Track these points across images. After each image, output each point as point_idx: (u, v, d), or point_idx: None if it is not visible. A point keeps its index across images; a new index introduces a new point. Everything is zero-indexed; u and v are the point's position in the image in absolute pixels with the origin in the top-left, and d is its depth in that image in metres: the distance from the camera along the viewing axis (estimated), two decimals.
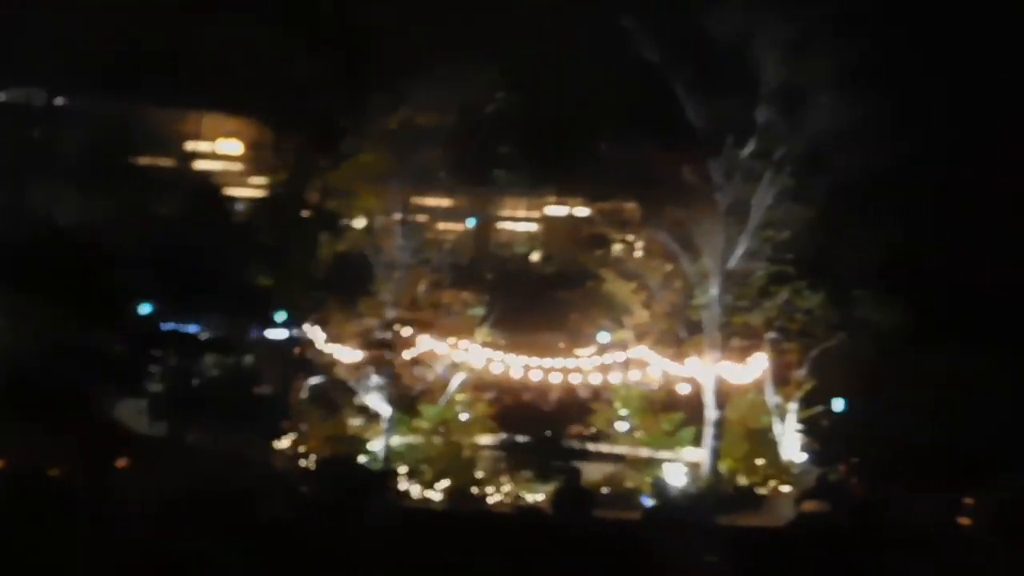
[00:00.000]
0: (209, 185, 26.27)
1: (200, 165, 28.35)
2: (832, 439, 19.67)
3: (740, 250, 14.62)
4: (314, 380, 17.95)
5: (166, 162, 27.70)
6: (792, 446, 17.75)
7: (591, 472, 15.31)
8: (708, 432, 14.72)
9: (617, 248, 18.53)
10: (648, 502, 12.00)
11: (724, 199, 14.21)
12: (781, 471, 16.36)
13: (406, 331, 14.97)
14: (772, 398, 17.71)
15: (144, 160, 28.17)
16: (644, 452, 15.27)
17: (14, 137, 25.27)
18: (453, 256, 21.39)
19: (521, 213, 25.15)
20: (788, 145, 14.12)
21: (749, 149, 14.17)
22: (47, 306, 23.91)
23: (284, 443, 16.54)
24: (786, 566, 11.67)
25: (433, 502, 13.17)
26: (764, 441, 17.49)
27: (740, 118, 13.87)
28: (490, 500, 13.23)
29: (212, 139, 26.90)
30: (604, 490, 13.57)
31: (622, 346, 18.71)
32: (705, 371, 14.98)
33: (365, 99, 16.48)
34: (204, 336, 26.06)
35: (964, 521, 15.05)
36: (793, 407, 17.97)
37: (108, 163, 27.09)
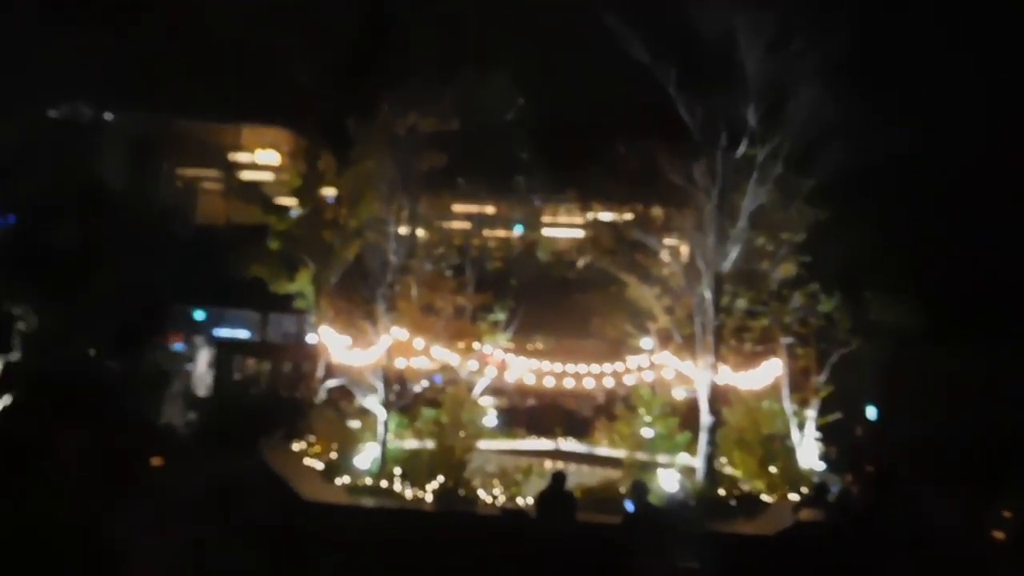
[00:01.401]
0: (251, 194, 27.03)
1: (244, 175, 29.33)
2: (856, 446, 19.22)
3: (734, 252, 14.35)
4: (330, 383, 18.33)
5: (209, 172, 28.75)
6: (810, 453, 17.34)
7: (588, 476, 15.29)
8: (702, 438, 14.49)
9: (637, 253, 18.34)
10: (630, 507, 11.87)
11: (711, 199, 13.99)
12: (796, 479, 15.96)
13: (407, 335, 15.06)
14: (788, 404, 17.33)
15: (189, 171, 29.34)
16: (641, 456, 15.10)
17: (63, 150, 26.57)
18: (473, 261, 21.73)
19: (545, 219, 25.17)
20: (774, 143, 13.80)
21: (742, 148, 13.93)
22: (96, 313, 25.01)
23: (300, 445, 16.90)
24: (768, 573, 11.51)
25: (424, 503, 13.27)
26: (781, 448, 17.11)
27: (732, 117, 13.65)
28: (479, 502, 13.25)
29: (251, 150, 27.70)
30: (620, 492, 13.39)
31: (637, 352, 18.60)
32: (699, 375, 14.75)
33: (375, 105, 16.74)
34: (246, 340, 26.96)
35: (998, 535, 14.53)
36: (811, 414, 17.54)
37: (152, 174, 28.31)
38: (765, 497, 14.83)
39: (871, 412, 21.32)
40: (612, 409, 19.50)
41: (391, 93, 16.87)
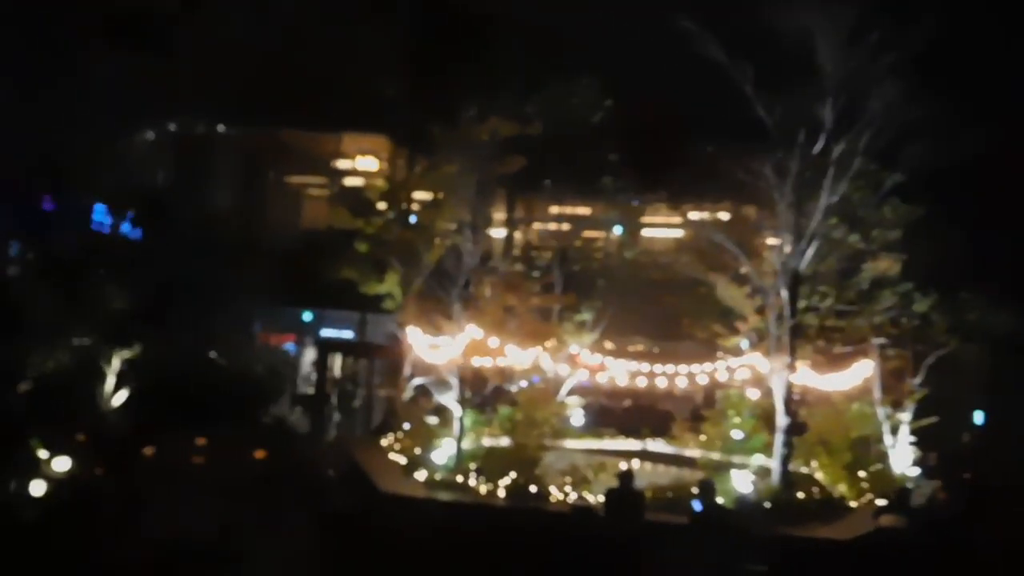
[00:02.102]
0: (351, 200, 28.09)
1: (347, 181, 30.53)
2: (959, 454, 18.38)
3: (810, 250, 14.01)
4: (417, 381, 18.89)
5: (314, 179, 30.05)
6: (903, 459, 16.70)
7: (666, 477, 15.24)
8: (778, 439, 14.20)
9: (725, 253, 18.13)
10: (698, 506, 11.81)
11: (784, 198, 13.71)
12: (886, 485, 15.42)
13: (483, 334, 15.41)
14: (881, 408, 16.76)
15: (295, 179, 30.76)
16: (717, 456, 14.94)
17: (182, 162, 28.39)
18: (561, 262, 21.94)
19: (636, 220, 25.09)
20: (850, 139, 13.41)
21: (819, 145, 13.60)
22: (210, 317, 26.58)
23: (387, 440, 17.52)
24: None
25: (497, 498, 13.57)
26: (871, 452, 16.59)
27: (809, 114, 13.35)
28: (550, 499, 13.44)
29: (352, 157, 28.79)
30: (670, 494, 13.37)
31: (736, 353, 18.35)
32: (775, 376, 14.46)
33: (457, 110, 17.20)
34: (344, 340, 28.02)
35: None
36: (905, 417, 16.90)
37: (261, 183, 29.82)
38: (849, 502, 14.41)
39: (978, 418, 20.32)
40: (707, 411, 19.38)
41: (473, 98, 17.31)
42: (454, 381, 15.14)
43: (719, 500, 12.17)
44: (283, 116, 27.12)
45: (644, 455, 18.70)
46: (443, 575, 11.79)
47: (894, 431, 16.84)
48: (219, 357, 26.06)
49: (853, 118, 13.33)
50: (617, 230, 27.26)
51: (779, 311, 16.26)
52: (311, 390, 27.74)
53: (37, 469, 15.45)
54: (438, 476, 14.34)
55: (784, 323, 14.32)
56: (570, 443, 18.35)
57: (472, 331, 15.18)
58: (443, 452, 14.88)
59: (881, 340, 16.77)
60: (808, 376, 16.27)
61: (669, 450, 17.97)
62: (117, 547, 11.05)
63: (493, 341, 15.55)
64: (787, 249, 13.95)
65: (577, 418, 21.09)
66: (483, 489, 13.79)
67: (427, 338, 16.78)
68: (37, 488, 14.03)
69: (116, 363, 21.83)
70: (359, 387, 26.46)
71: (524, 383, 19.98)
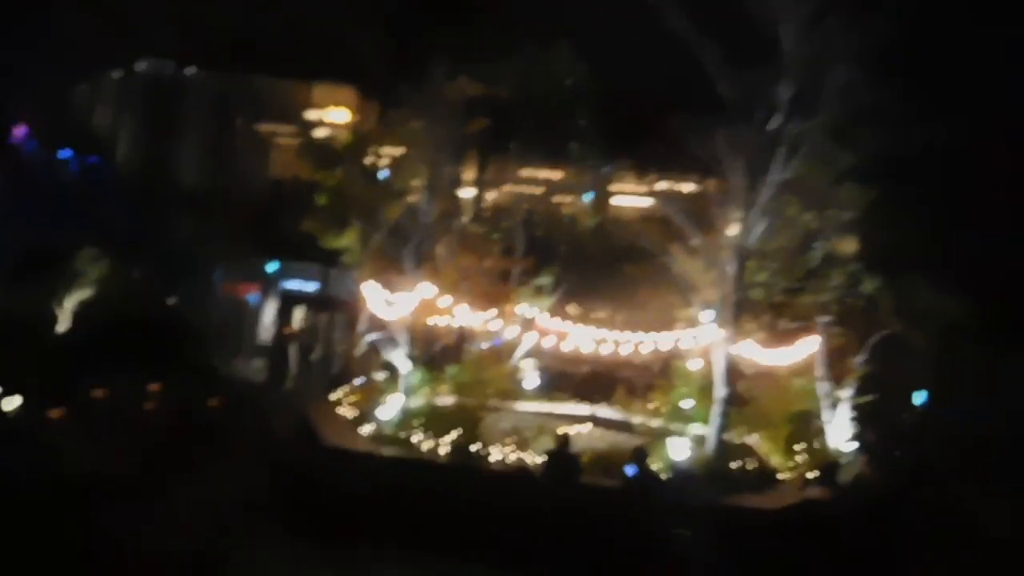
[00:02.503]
0: (321, 151, 27.88)
1: (318, 133, 30.24)
2: (897, 432, 18.84)
3: (760, 227, 14.22)
4: (370, 337, 19.00)
5: (283, 128, 29.74)
6: (841, 435, 17.10)
7: (602, 441, 15.55)
8: (715, 409, 14.52)
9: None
10: (630, 471, 12.11)
11: (734, 175, 13.88)
12: (822, 459, 15.84)
13: (436, 293, 15.54)
14: (823, 384, 17.12)
15: (264, 127, 30.44)
16: (656, 424, 15.26)
17: (147, 104, 28.02)
18: (524, 226, 22.02)
19: (605, 188, 25.16)
20: (805, 120, 13.56)
21: (775, 124, 13.73)
22: (168, 262, 26.46)
23: (338, 395, 17.67)
24: (759, 546, 11.58)
25: (438, 456, 13.80)
26: (812, 427, 16.99)
27: (767, 92, 13.46)
28: (490, 459, 13.69)
29: (323, 107, 28.52)
30: (606, 459, 13.67)
31: (691, 324, 18.60)
32: (715, 348, 14.74)
33: (427, 66, 17.10)
34: (306, 293, 28.01)
35: None
36: (846, 395, 17.27)
37: (229, 128, 29.49)
38: (782, 474, 14.79)
39: (919, 398, 20.81)
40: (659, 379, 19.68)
41: (444, 56, 17.22)
42: (402, 338, 15.27)
43: (653, 467, 12.47)
44: (255, 62, 26.83)
45: (593, 420, 19.02)
46: (380, 529, 12.03)
47: (834, 407, 17.21)
48: (177, 304, 26.04)
49: (810, 99, 13.44)
50: (587, 197, 27.35)
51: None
52: (272, 342, 27.82)
53: None
54: (383, 432, 14.54)
55: (727, 297, 14.54)
56: (522, 405, 18.58)
57: (424, 289, 15.28)
58: (389, 408, 15.05)
59: (827, 318, 17.05)
60: (754, 350, 16.57)
61: (616, 416, 18.25)
62: (34, 479, 11.16)
63: (444, 300, 15.69)
64: (737, 224, 14.13)
65: (532, 380, 21.35)
66: (425, 446, 14.01)
67: (382, 294, 16.88)
68: None
69: (68, 305, 21.79)
70: (318, 341, 26.53)
71: (485, 344, 20.23)
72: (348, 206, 18.46)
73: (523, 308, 19.97)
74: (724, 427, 14.40)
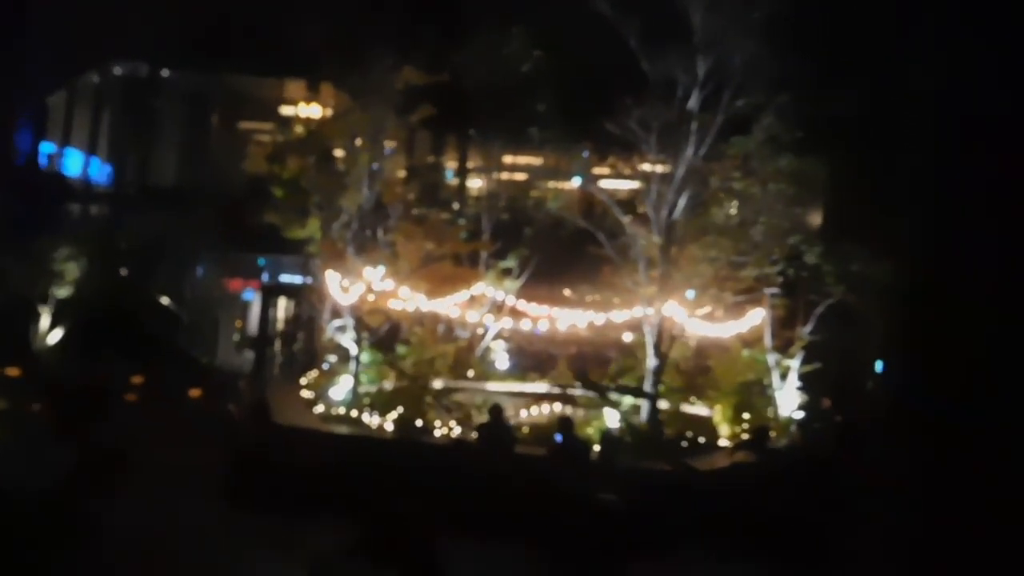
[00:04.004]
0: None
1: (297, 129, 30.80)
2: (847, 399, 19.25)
3: (682, 201, 14.68)
4: (336, 323, 19.60)
5: (261, 126, 30.33)
6: (790, 402, 17.55)
7: (538, 412, 16.09)
8: (647, 380, 15.02)
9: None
10: (558, 439, 12.64)
11: (648, 151, 14.32)
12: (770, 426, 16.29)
13: (382, 276, 16.10)
14: (771, 355, 17.57)
15: (242, 124, 31.04)
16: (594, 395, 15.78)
17: (124, 106, 28.68)
18: (488, 211, 22.53)
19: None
20: (718, 95, 13.99)
21: (694, 101, 14.16)
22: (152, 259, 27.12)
23: (305, 379, 18.29)
24: (684, 508, 12.04)
25: (384, 432, 14.37)
26: (761, 397, 17.45)
27: (684, 69, 13.88)
28: (434, 433, 14.25)
29: (295, 103, 29.02)
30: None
31: (649, 302, 19.05)
32: (646, 319, 15.23)
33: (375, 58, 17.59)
34: (284, 284, 28.67)
35: None
36: (794, 364, 17.70)
37: (205, 128, 30.12)
38: (720, 442, 15.26)
39: (879, 366, 21.22)
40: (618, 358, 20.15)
41: (386, 46, 17.72)
42: (349, 321, 15.86)
43: (579, 435, 12.99)
44: (228, 59, 27.35)
45: (565, 398, 19.51)
46: (322, 502, 12.59)
47: (783, 376, 17.66)
48: (168, 300, 26.77)
49: (722, 74, 13.86)
50: (576, 181, 27.76)
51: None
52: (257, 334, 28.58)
53: None
54: (334, 411, 15.14)
55: (656, 270, 15.02)
56: (492, 385, 19.16)
57: (370, 274, 15.84)
58: (340, 389, 15.65)
59: (773, 289, 17.47)
60: (696, 322, 17.02)
61: (558, 390, 18.72)
62: None
63: (395, 284, 16.26)
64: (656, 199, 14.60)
65: (502, 361, 21.94)
66: (373, 423, 14.59)
67: (336, 281, 17.47)
68: None
69: (51, 301, 22.50)
70: (300, 330, 27.20)
71: (464, 331, 20.83)
72: (306, 197, 19.00)
73: (489, 290, 20.53)
74: (656, 396, 14.86)
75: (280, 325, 28.58)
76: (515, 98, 22.15)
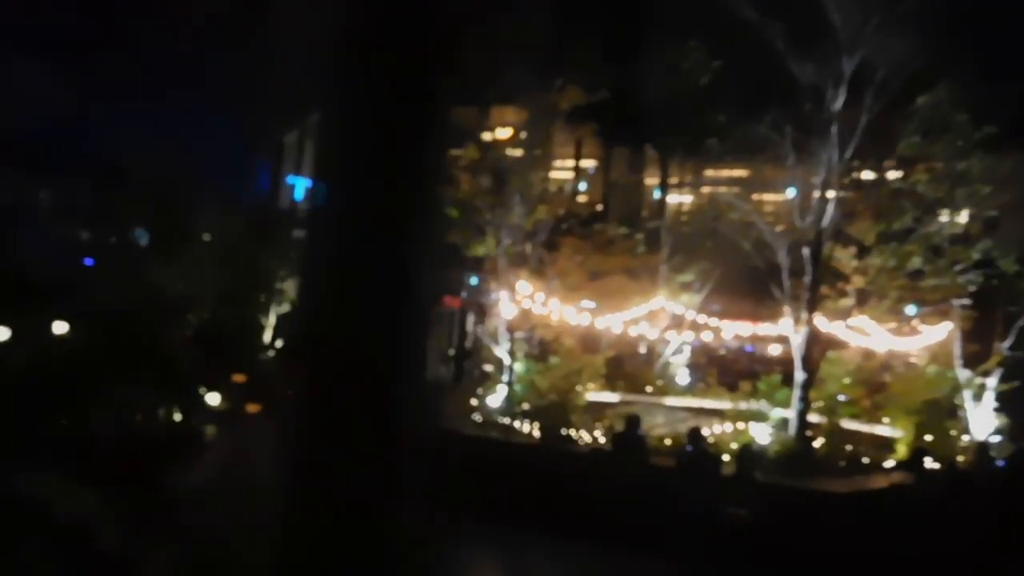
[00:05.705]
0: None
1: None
2: None
3: (831, 208, 13.85)
4: (501, 335, 20.41)
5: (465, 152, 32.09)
6: (984, 425, 15.92)
7: (681, 425, 15.78)
8: (795, 394, 14.26)
9: None
10: (689, 450, 12.49)
11: (792, 155, 13.66)
12: (956, 449, 14.99)
13: (532, 291, 16.69)
14: (963, 371, 16.06)
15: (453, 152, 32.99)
16: (745, 407, 15.21)
17: None
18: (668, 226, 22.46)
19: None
20: (852, 96, 13.10)
21: (839, 102, 13.40)
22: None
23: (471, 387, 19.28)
24: (817, 529, 11.49)
25: (532, 438, 14.92)
26: (949, 417, 16.00)
27: (828, 70, 13.21)
28: (579, 442, 14.56)
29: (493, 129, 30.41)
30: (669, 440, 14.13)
31: (843, 315, 18.20)
32: (794, 332, 14.47)
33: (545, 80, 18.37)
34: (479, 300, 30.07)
35: None
36: (991, 383, 16.04)
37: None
38: (889, 462, 14.22)
39: None
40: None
41: (552, 66, 18.45)
42: (503, 334, 16.61)
43: (709, 447, 12.76)
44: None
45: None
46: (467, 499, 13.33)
47: (977, 396, 16.07)
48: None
49: (867, 73, 13.07)
50: (791, 192, 26.97)
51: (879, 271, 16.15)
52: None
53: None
54: (490, 418, 15.91)
55: (805, 280, 14.36)
56: (671, 400, 19.09)
57: (522, 288, 16.54)
58: (497, 397, 16.40)
59: (962, 301, 16.01)
60: (874, 337, 15.97)
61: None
62: None
63: (539, 297, 16.85)
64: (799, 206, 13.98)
65: (683, 376, 21.75)
66: (525, 430, 15.17)
67: (505, 295, 18.29)
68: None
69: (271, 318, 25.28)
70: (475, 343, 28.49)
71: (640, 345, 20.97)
72: (479, 215, 20.04)
73: (669, 304, 20.53)
74: (804, 411, 14.15)
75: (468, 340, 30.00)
76: (690, 111, 22.06)
